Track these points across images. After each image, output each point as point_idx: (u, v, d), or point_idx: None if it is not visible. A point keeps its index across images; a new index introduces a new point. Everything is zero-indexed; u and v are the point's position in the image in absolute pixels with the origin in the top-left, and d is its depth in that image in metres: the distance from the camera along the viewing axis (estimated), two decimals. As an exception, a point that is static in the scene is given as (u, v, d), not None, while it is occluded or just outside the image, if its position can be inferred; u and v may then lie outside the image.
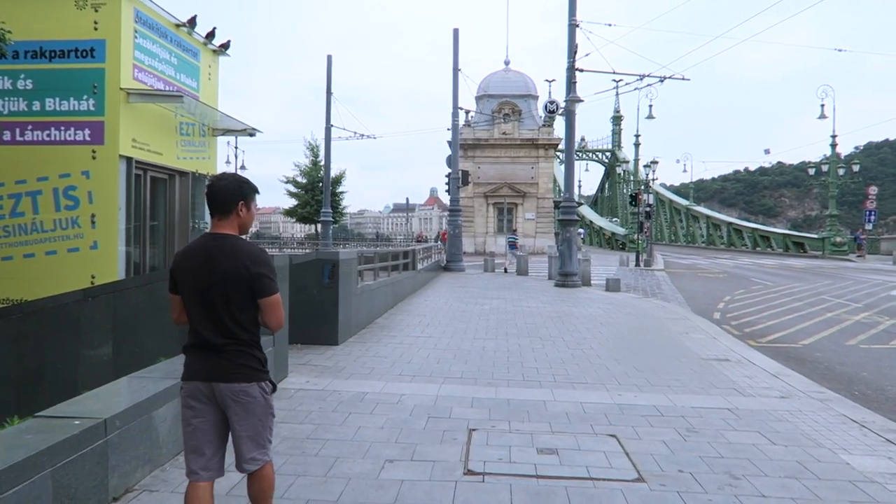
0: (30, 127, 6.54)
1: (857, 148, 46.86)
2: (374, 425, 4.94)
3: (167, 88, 7.16)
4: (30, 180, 6.49)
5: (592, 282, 19.51)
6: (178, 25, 7.40)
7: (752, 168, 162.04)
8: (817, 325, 11.89)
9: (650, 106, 47.08)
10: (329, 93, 28.87)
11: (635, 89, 20.05)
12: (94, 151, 6.33)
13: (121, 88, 6.39)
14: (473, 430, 4.86)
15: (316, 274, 8.25)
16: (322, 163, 36.18)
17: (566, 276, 18.06)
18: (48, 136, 6.51)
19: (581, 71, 18.77)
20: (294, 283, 8.12)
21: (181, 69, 7.63)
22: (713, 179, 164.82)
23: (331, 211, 29.11)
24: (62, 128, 6.47)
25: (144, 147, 6.64)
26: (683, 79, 19.80)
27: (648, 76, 19.62)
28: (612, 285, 17.29)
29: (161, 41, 7.15)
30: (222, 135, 8.61)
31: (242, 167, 46.13)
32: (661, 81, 19.79)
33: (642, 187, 35.25)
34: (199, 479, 2.71)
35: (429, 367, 7.06)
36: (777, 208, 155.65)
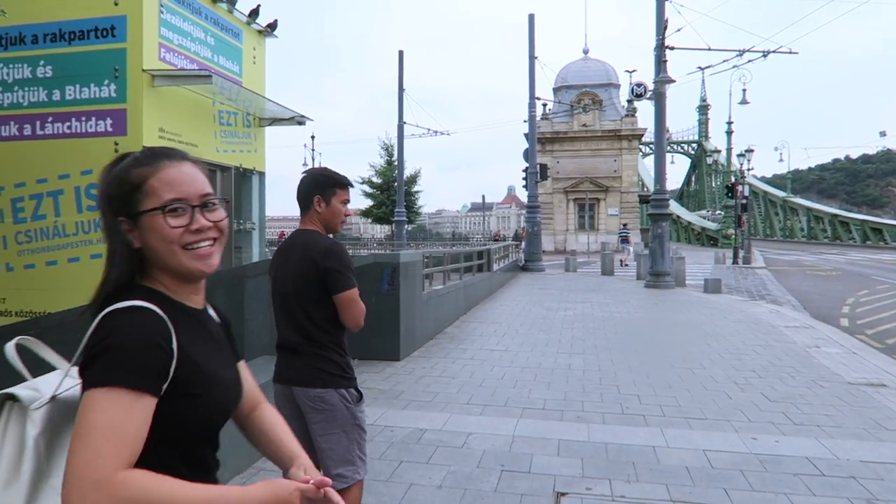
0: (50, 119, 5.88)
1: None
2: (429, 483, 3.78)
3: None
4: (51, 178, 5.81)
5: (687, 282, 17.65)
6: (214, 1, 6.51)
7: (858, 155, 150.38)
8: (979, 335, 9.78)
9: (743, 90, 43.72)
10: (401, 89, 28.11)
11: (734, 67, 17.96)
12: (116, 143, 5.55)
13: (143, 70, 5.54)
14: (562, 494, 3.61)
15: (374, 279, 7.21)
16: (396, 162, 35.62)
17: (658, 275, 16.33)
18: (69, 128, 5.82)
19: (671, 49, 16.96)
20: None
21: (219, 50, 6.78)
22: (810, 169, 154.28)
23: (404, 210, 28.33)
24: (83, 118, 5.77)
25: (175, 138, 5.80)
26: (791, 52, 17.55)
27: (749, 51, 17.50)
28: (712, 286, 15.44)
29: (194, 18, 6.32)
30: (270, 125, 7.71)
31: (319, 169, 46.45)
32: (765, 57, 17.62)
33: (738, 177, 32.46)
34: None
35: (504, 392, 5.85)
36: (883, 198, 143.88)
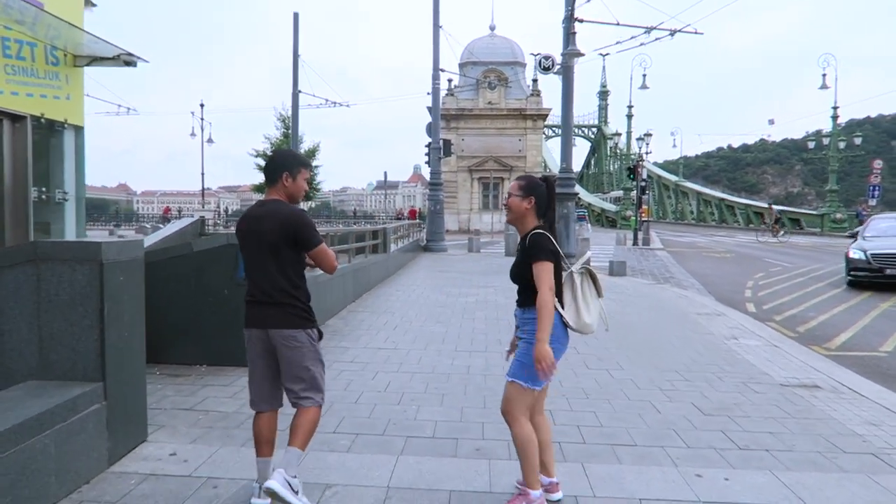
0: None
1: (839, 125, 44.62)
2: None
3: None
4: None
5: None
6: None
7: (750, 142, 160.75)
8: (881, 321, 9.57)
9: (644, 75, 44.57)
10: (296, 55, 25.99)
11: (641, 45, 17.44)
12: None
13: None
14: None
15: (226, 265, 5.70)
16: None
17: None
18: None
19: (581, 21, 16.18)
20: (193, 279, 5.60)
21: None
22: (696, 157, 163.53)
23: (299, 185, 26.31)
24: None
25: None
26: (696, 32, 17.26)
27: (657, 28, 17.02)
28: (618, 269, 14.90)
29: None
30: (89, 65, 5.93)
31: (209, 140, 43.15)
32: (671, 35, 17.21)
33: (638, 160, 32.83)
34: (261, 409, 3.16)
35: (384, 412, 4.57)
36: (760, 185, 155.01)
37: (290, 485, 2.87)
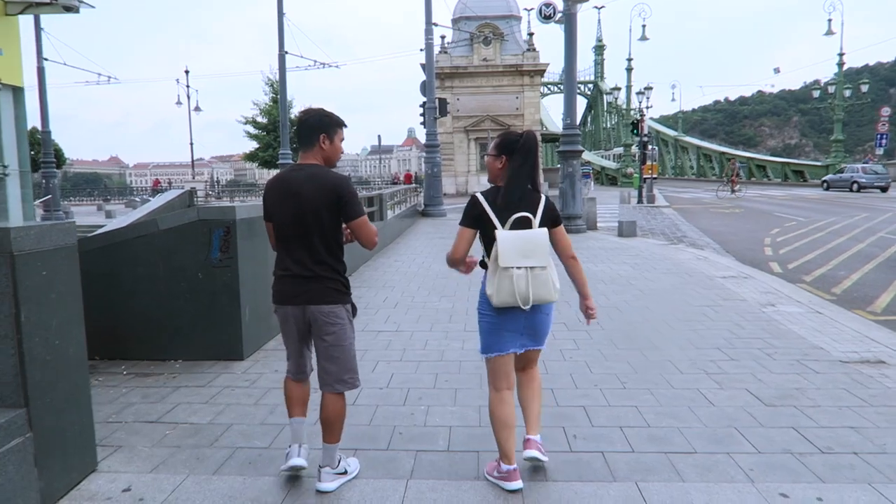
0: None
1: (835, 75, 43.52)
2: None
3: None
4: None
5: (599, 224, 16.36)
6: None
7: (749, 94, 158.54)
8: (922, 278, 8.85)
9: (643, 26, 43.11)
10: (281, 12, 24.64)
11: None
12: None
13: None
14: None
15: (200, 245, 4.92)
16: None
17: (569, 219, 14.79)
18: None
19: (583, -37, 15.00)
20: (161, 262, 4.83)
21: None
22: (693, 111, 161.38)
23: (290, 153, 25.33)
24: None
25: None
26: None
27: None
28: (627, 229, 14.13)
29: None
30: (22, 12, 5.03)
31: (197, 108, 41.82)
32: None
33: (639, 115, 31.73)
34: (294, 377, 3.08)
35: (388, 415, 3.85)
36: (757, 138, 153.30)
37: (338, 473, 2.92)
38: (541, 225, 2.84)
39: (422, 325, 6.13)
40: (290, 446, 3.02)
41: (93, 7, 5.05)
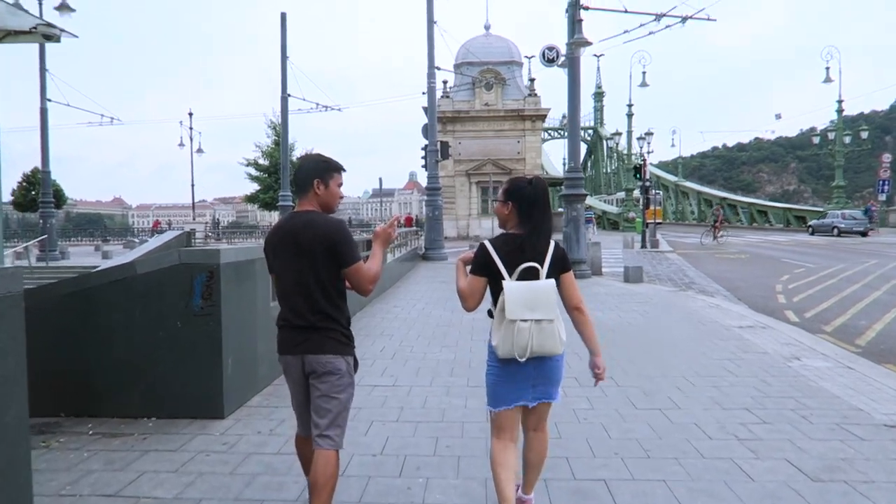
0: None
1: (831, 122, 44.28)
2: None
3: None
4: None
5: (604, 270, 15.97)
6: None
7: (747, 141, 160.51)
8: (949, 329, 8.39)
9: (643, 73, 43.60)
10: (284, 56, 24.85)
11: (650, 33, 16.30)
12: None
13: None
14: None
15: (180, 291, 4.50)
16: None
17: (573, 264, 14.33)
18: None
19: (587, 9, 15.04)
20: (138, 309, 4.41)
21: None
22: (692, 156, 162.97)
23: (290, 195, 25.13)
24: None
25: None
26: (709, 19, 16.16)
27: (667, 15, 15.90)
28: (633, 275, 13.73)
29: None
30: (1, 40, 4.72)
31: (199, 150, 41.95)
32: (683, 22, 16.10)
33: (641, 160, 31.71)
34: (305, 433, 2.89)
35: (382, 492, 3.35)
36: (756, 184, 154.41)
37: None
38: (549, 272, 2.74)
39: (421, 379, 5.66)
40: None
41: (76, 37, 4.77)
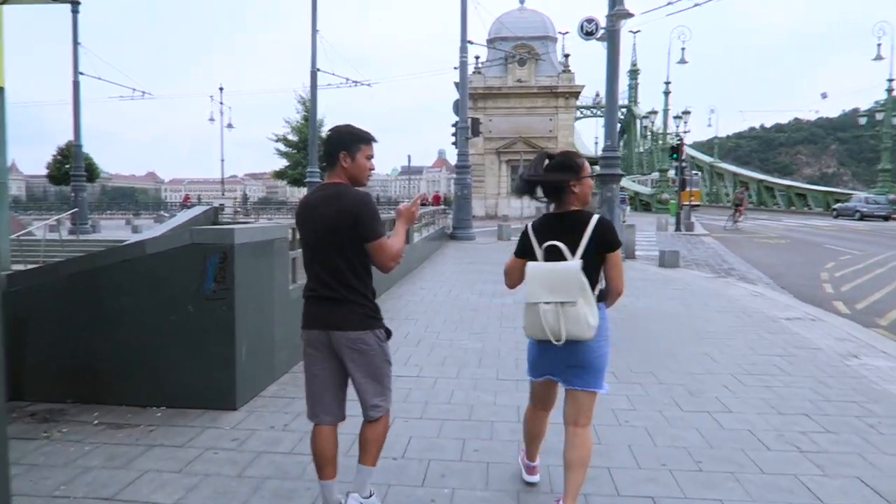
0: None
1: (875, 102, 42.30)
2: None
3: None
4: None
5: (637, 253, 15.41)
6: None
7: (785, 121, 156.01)
8: None
9: (682, 49, 42.19)
10: (314, 30, 24.40)
11: (695, 5, 15.43)
12: None
13: None
14: None
15: (191, 273, 4.21)
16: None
17: (607, 247, 13.87)
18: None
19: (627, -21, 14.27)
20: (147, 292, 4.14)
21: None
22: (728, 137, 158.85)
23: (318, 171, 24.90)
24: None
25: None
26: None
27: (712, -14, 15.05)
28: (670, 259, 13.17)
29: None
30: (6, 2, 4.43)
31: (229, 125, 42.03)
32: (728, -6, 15.20)
33: (679, 139, 30.71)
34: (321, 422, 2.76)
35: (401, 500, 3.04)
36: (793, 166, 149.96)
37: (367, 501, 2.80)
38: (588, 251, 2.63)
39: (447, 370, 5.32)
40: None
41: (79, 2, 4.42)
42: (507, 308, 8.16)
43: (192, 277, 4.19)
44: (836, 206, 39.60)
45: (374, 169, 2.80)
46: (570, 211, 2.74)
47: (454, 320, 7.42)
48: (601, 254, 2.65)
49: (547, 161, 2.84)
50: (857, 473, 3.36)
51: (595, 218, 2.68)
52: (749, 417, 4.21)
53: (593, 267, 2.64)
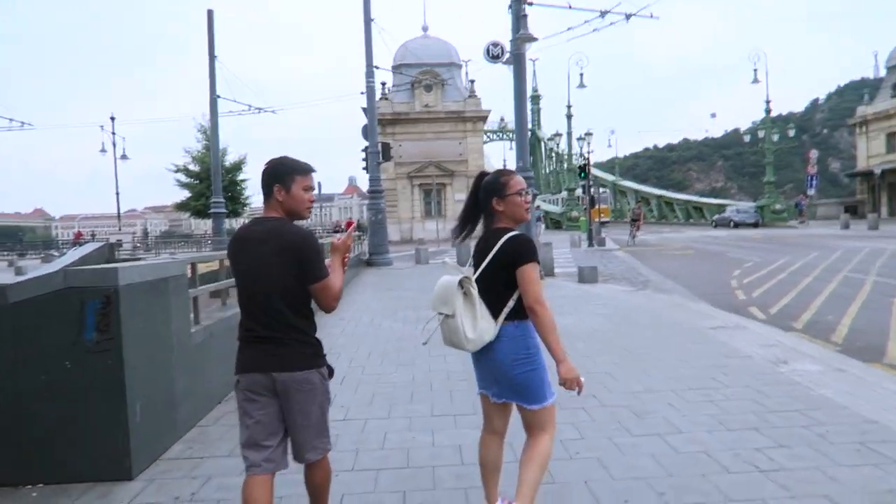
0: None
1: (752, 122, 46.53)
2: None
3: None
4: None
5: (556, 270, 15.48)
6: None
7: (678, 141, 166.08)
8: (917, 322, 8.18)
9: (581, 74, 43.97)
10: (212, 56, 23.39)
11: (594, 30, 15.94)
12: None
13: None
14: None
15: (67, 322, 3.54)
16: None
17: (527, 266, 13.82)
18: None
19: (531, 4, 14.54)
20: (11, 347, 3.45)
21: None
22: (625, 157, 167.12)
23: (223, 202, 23.74)
24: None
25: None
26: (652, 17, 15.99)
27: (611, 12, 15.59)
28: (589, 275, 13.27)
29: None
30: None
31: (124, 156, 39.64)
32: (627, 19, 15.83)
33: (584, 159, 31.71)
34: (262, 471, 2.57)
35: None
36: (686, 182, 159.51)
37: None
38: (493, 267, 2.66)
39: (377, 410, 4.84)
40: None
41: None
42: (434, 335, 7.75)
43: (68, 328, 3.53)
44: (715, 217, 44.77)
45: (314, 201, 2.66)
46: (495, 228, 2.75)
47: (379, 352, 6.94)
48: (510, 270, 2.60)
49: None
50: (823, 491, 3.18)
51: (508, 235, 2.66)
52: (700, 437, 4.00)
53: (500, 282, 2.63)
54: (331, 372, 2.71)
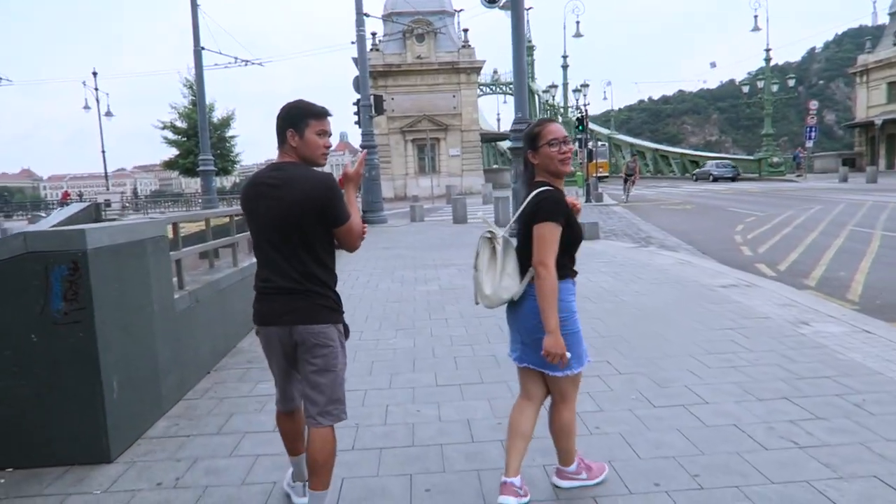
0: None
1: (748, 73, 45.48)
2: None
3: None
4: None
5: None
6: None
7: (673, 93, 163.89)
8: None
9: (577, 23, 42.81)
10: (195, 4, 22.39)
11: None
12: None
13: None
14: None
15: (30, 291, 3.16)
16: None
17: (526, 222, 13.43)
18: None
19: (529, -57, 13.69)
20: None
21: None
22: (619, 110, 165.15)
23: (212, 159, 23.08)
24: None
25: None
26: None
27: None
28: (590, 231, 12.82)
29: None
30: None
31: (108, 113, 38.58)
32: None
33: (582, 112, 30.99)
34: (287, 408, 2.71)
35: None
36: (680, 135, 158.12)
37: None
38: (518, 225, 2.64)
39: (377, 380, 4.53)
40: (293, 483, 2.83)
41: None
42: (434, 296, 7.43)
43: (32, 298, 3.14)
44: (695, 171, 45.41)
45: (329, 146, 2.52)
46: (532, 182, 2.65)
47: (377, 315, 6.61)
48: (529, 227, 2.52)
49: None
50: (871, 471, 2.88)
51: (538, 190, 2.56)
52: (728, 408, 3.70)
53: (529, 239, 2.52)
54: (347, 331, 2.59)
